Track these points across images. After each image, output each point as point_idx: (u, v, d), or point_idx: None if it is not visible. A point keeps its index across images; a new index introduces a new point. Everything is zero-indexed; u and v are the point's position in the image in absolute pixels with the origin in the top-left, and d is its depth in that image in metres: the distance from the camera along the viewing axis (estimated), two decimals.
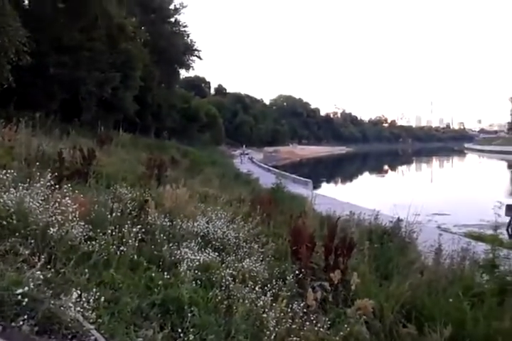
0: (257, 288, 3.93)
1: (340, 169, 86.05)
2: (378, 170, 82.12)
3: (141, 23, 38.05)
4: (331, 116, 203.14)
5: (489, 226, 17.04)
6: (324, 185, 50.89)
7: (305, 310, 3.67)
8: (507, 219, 19.59)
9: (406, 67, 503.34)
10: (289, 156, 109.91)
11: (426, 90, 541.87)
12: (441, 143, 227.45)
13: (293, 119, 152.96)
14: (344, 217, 9.63)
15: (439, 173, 76.92)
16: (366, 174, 73.97)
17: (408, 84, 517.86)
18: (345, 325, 3.50)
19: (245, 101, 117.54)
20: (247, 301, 3.58)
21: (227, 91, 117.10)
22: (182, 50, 45.11)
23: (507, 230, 18.84)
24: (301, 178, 30.92)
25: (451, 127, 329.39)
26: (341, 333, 3.40)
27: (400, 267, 5.71)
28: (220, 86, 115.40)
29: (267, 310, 3.49)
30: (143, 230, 4.40)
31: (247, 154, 78.00)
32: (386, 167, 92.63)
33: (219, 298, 3.63)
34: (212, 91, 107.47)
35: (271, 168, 44.09)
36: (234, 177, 23.37)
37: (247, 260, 4.53)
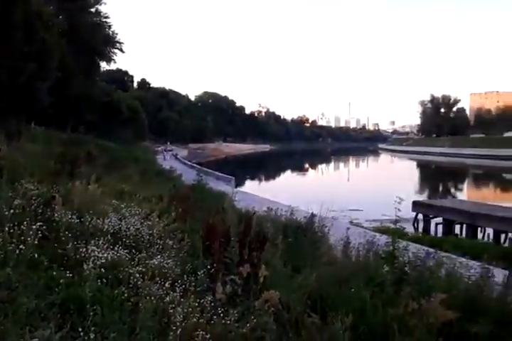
0: (167, 285, 3.89)
1: (263, 167, 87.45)
2: (300, 168, 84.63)
3: (59, 11, 35.94)
4: (256, 114, 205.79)
5: (398, 221, 18.29)
6: (248, 182, 51.49)
7: (213, 305, 3.69)
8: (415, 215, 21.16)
9: (327, 68, 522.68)
10: (214, 153, 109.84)
11: (345, 92, 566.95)
12: (358, 143, 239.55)
13: (218, 116, 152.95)
14: (262, 213, 9.88)
15: (356, 172, 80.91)
16: (288, 172, 75.80)
17: (328, 85, 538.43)
18: (252, 317, 3.56)
19: (170, 97, 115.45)
20: (154, 298, 3.52)
21: (151, 85, 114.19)
22: (103, 41, 43.26)
23: (413, 224, 20.31)
24: (224, 175, 31.04)
25: (367, 128, 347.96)
26: (248, 325, 3.47)
27: (310, 260, 5.92)
28: (143, 80, 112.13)
29: (174, 305, 3.47)
30: (45, 227, 4.17)
31: (170, 150, 76.74)
32: (307, 165, 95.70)
33: (125, 295, 3.54)
34: (135, 85, 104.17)
35: (195, 165, 43.76)
36: (156, 173, 22.89)
37: (158, 256, 4.46)
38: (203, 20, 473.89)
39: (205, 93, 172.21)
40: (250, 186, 44.33)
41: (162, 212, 7.04)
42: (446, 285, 4.31)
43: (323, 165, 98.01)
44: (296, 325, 3.94)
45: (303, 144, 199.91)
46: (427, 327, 3.51)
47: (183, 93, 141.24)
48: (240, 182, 40.25)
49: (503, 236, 16.74)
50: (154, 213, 6.49)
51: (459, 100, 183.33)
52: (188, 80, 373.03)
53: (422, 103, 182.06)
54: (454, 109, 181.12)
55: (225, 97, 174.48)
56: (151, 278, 3.97)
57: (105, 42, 43.97)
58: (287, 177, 66.02)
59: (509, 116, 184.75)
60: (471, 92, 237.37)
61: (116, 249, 4.48)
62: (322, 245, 7.22)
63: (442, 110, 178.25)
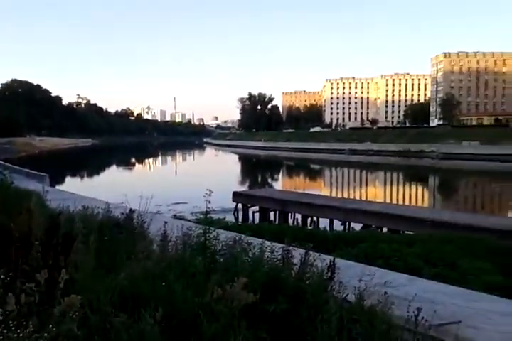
0: None
1: (85, 162, 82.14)
2: (126, 162, 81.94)
3: None
4: (75, 106, 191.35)
5: (221, 212, 19.11)
6: (67, 179, 47.79)
7: (4, 318, 3.30)
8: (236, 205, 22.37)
9: (150, 61, 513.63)
10: (26, 148, 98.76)
11: (170, 86, 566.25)
12: (184, 137, 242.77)
13: (31, 108, 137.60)
14: (76, 212, 9.23)
15: (183, 165, 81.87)
16: (113, 167, 72.74)
17: (153, 78, 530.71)
18: (51, 326, 3.31)
19: None
20: None
21: None
22: None
23: (233, 214, 21.51)
24: (36, 172, 28.08)
25: (193, 122, 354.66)
26: (45, 334, 3.20)
27: (126, 258, 5.76)
28: None
29: None
30: None
31: None
32: (133, 160, 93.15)
33: None
34: None
35: (0, 162, 38.61)
36: None
37: None
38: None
39: (14, 81, 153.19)
40: (70, 184, 41.21)
41: None
42: (250, 269, 4.64)
43: (151, 160, 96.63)
44: (104, 327, 3.79)
45: (128, 138, 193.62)
46: (231, 311, 3.72)
47: None
48: (57, 180, 37.09)
49: (309, 220, 18.91)
50: None
51: (273, 98, 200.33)
52: None
53: (241, 100, 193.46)
54: (269, 106, 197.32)
55: (38, 86, 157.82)
56: None
57: None
58: (112, 172, 63.25)
59: (314, 113, 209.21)
60: (283, 91, 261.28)
61: None
62: (140, 241, 7.07)
63: (259, 107, 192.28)
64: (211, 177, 43.06)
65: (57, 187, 28.61)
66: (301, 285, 4.66)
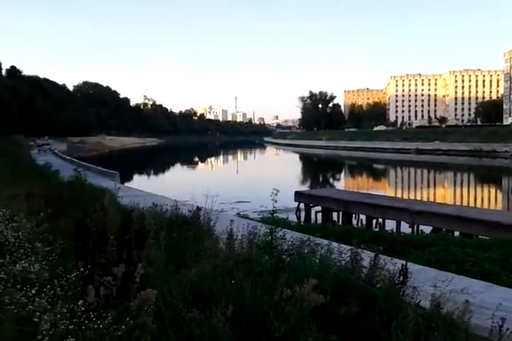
0: (33, 291, 3.56)
1: (152, 161, 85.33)
2: (189, 161, 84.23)
3: None
4: (142, 107, 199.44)
5: (283, 211, 19.09)
6: (135, 177, 49.87)
7: (85, 309, 3.47)
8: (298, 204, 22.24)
9: (214, 62, 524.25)
10: (97, 147, 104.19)
11: (231, 86, 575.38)
12: (245, 136, 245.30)
13: (101, 109, 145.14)
14: (147, 209, 9.57)
15: (244, 164, 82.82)
16: (178, 165, 75.03)
17: (216, 78, 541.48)
18: (128, 319, 3.42)
19: (44, 86, 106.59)
20: (16, 307, 3.20)
21: (23, 74, 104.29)
22: None
23: (296, 214, 21.39)
24: (108, 170, 29.56)
25: (253, 122, 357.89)
26: (123, 327, 3.32)
27: (194, 254, 5.88)
28: (13, 67, 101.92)
29: (39, 313, 3.19)
30: None
31: (47, 145, 71.15)
32: (196, 159, 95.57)
33: None
34: (3, 73, 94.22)
35: (74, 160, 41.05)
36: (28, 170, 20.98)
37: (23, 261, 4.07)
38: (80, 3, 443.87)
39: (86, 83, 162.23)
40: (137, 181, 42.96)
41: (31, 212, 6.47)
42: (319, 270, 4.56)
43: (213, 159, 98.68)
44: (177, 322, 3.88)
45: (192, 137, 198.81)
46: (301, 312, 3.68)
47: (60, 82, 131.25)
48: (126, 178, 38.81)
49: (374, 221, 18.40)
50: (21, 213, 5.93)
51: (335, 96, 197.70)
52: (64, 68, 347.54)
53: (302, 99, 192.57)
54: (331, 104, 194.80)
55: (107, 88, 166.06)
56: (13, 284, 3.61)
57: None
58: (176, 171, 65.27)
59: (378, 111, 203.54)
60: (345, 89, 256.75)
61: None
62: (207, 238, 7.20)
63: (320, 106, 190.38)
64: (272, 176, 43.13)
65: (126, 184, 29.90)
66: (372, 288, 4.52)
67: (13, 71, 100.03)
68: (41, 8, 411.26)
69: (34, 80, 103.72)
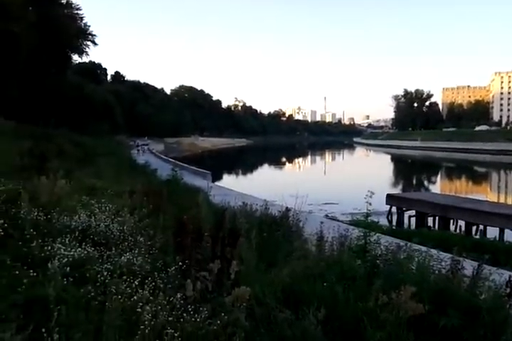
0: (136, 282, 3.80)
1: (241, 161, 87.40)
2: (277, 161, 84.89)
3: (27, 2, 34.85)
4: (232, 108, 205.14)
5: (373, 214, 18.51)
6: (225, 176, 51.36)
7: (183, 302, 3.62)
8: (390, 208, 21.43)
9: (303, 62, 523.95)
10: (190, 148, 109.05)
11: (320, 86, 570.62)
12: (334, 136, 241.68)
13: (195, 111, 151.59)
14: (237, 208, 9.81)
15: (332, 165, 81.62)
16: (266, 166, 75.95)
17: (304, 79, 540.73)
18: (223, 314, 3.51)
19: (145, 90, 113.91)
20: (122, 296, 3.43)
21: (126, 78, 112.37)
22: (75, 34, 42.22)
23: (387, 217, 20.60)
24: (201, 170, 30.80)
25: (343, 122, 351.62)
26: (218, 322, 3.42)
27: (284, 254, 5.90)
28: (117, 73, 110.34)
29: (143, 304, 3.39)
30: (9, 225, 4.03)
31: (146, 145, 75.82)
32: (284, 159, 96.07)
33: (92, 294, 3.44)
34: (109, 78, 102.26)
35: (170, 160, 43.33)
36: (130, 168, 22.55)
37: (128, 254, 4.36)
38: (177, 11, 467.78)
39: (181, 87, 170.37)
40: (227, 180, 44.22)
41: (134, 208, 6.91)
42: (416, 278, 4.34)
43: (300, 159, 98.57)
44: (269, 321, 3.91)
45: (280, 138, 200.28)
46: (398, 320, 3.52)
47: (159, 87, 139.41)
48: (217, 177, 40.09)
49: (474, 228, 17.13)
50: (125, 209, 6.36)
51: (432, 95, 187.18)
52: (163, 74, 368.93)
53: (396, 97, 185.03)
54: (427, 103, 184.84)
55: (201, 91, 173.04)
56: (119, 275, 3.88)
57: (77, 34, 42.97)
58: (264, 171, 66.14)
59: (479, 110, 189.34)
60: (443, 87, 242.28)
61: (84, 246, 4.36)
62: (296, 239, 7.20)
63: (415, 104, 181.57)
64: (361, 177, 42.02)
65: (217, 183, 30.91)
66: (475, 299, 4.21)
67: (117, 76, 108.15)
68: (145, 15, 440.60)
69: (136, 85, 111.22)
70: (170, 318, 3.31)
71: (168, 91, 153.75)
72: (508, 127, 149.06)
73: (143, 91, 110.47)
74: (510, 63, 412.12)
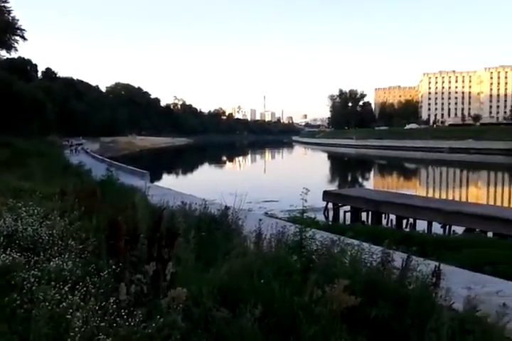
0: (66, 288, 3.64)
1: (181, 160, 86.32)
2: (217, 160, 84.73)
3: None
4: (171, 107, 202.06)
5: (310, 211, 18.96)
6: (164, 176, 50.52)
7: (116, 306, 3.51)
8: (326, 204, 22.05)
9: (242, 61, 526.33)
10: (128, 147, 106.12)
11: (260, 85, 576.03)
12: (273, 135, 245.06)
13: (132, 109, 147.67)
14: (176, 207, 9.67)
15: (272, 164, 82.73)
16: (206, 165, 75.59)
17: (244, 78, 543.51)
18: (158, 317, 3.45)
19: (79, 88, 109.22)
20: (50, 303, 3.27)
21: (58, 75, 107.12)
22: (2, 27, 39.74)
23: (324, 213, 21.20)
24: (138, 169, 30.06)
25: (282, 121, 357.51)
26: (153, 325, 3.35)
27: (223, 253, 5.89)
28: (48, 69, 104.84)
29: (72, 310, 3.25)
30: None
31: (80, 144, 72.87)
32: (224, 158, 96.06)
33: (17, 302, 3.25)
34: (40, 75, 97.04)
35: (106, 159, 41.93)
36: (62, 169, 21.57)
37: (57, 258, 4.16)
38: (112, 6, 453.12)
39: (118, 84, 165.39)
40: (167, 180, 43.53)
41: (65, 210, 6.62)
42: (349, 271, 4.50)
43: (240, 158, 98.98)
44: (206, 321, 3.89)
45: (220, 137, 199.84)
46: (332, 313, 3.63)
47: (93, 84, 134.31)
48: (156, 177, 39.32)
49: (404, 221, 18.05)
50: (55, 211, 6.07)
51: (365, 95, 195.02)
52: (99, 71, 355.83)
53: (332, 97, 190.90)
54: (361, 103, 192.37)
55: (139, 89, 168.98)
56: (47, 282, 3.69)
57: (5, 28, 40.47)
58: (205, 170, 65.77)
59: (409, 109, 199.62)
60: (375, 87, 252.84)
61: (9, 252, 4.11)
62: (235, 237, 7.22)
63: (350, 104, 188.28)
64: (299, 175, 42.91)
65: (156, 183, 30.32)
66: (404, 290, 4.42)
67: (49, 73, 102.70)
68: (77, 9, 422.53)
69: (69, 82, 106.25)
70: (102, 324, 3.20)
71: (103, 89, 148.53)
72: (435, 125, 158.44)
73: (77, 89, 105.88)
74: (438, 64, 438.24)
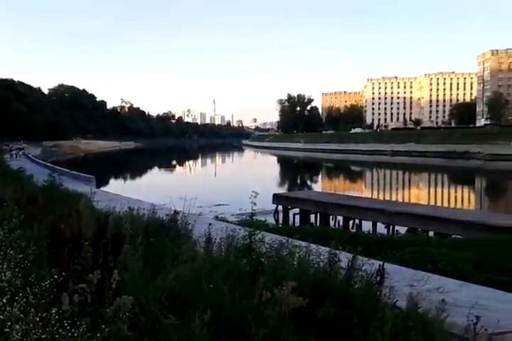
0: (4, 300, 3.45)
1: (129, 164, 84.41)
2: (167, 164, 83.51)
3: None
4: (118, 110, 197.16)
5: (261, 213, 19.10)
6: (112, 181, 49.17)
7: (58, 317, 3.38)
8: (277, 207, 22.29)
9: (191, 65, 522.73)
10: (72, 151, 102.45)
11: (209, 89, 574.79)
12: (223, 139, 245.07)
13: (77, 112, 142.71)
14: (123, 213, 9.43)
15: (222, 167, 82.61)
16: (155, 169, 74.30)
17: (193, 81, 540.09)
18: (103, 326, 3.35)
19: (19, 89, 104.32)
20: None
21: None
22: None
23: (274, 216, 21.43)
24: (83, 174, 29.07)
25: (232, 125, 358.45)
26: (98, 335, 3.25)
27: (172, 259, 5.80)
28: None
29: (11, 323, 3.09)
30: None
31: (21, 149, 69.61)
32: (174, 162, 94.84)
33: None
34: None
35: (49, 164, 40.23)
36: (1, 175, 20.43)
37: None
38: (54, 1, 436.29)
39: (61, 86, 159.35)
40: (114, 185, 42.38)
41: (4, 218, 6.29)
42: (297, 272, 4.56)
43: (191, 162, 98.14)
44: (154, 328, 3.82)
45: (169, 141, 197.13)
46: (280, 315, 3.66)
47: (35, 85, 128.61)
48: (102, 182, 38.20)
49: (351, 222, 18.58)
50: None
51: (313, 99, 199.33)
52: (40, 72, 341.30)
53: (280, 101, 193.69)
54: (308, 107, 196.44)
55: (84, 91, 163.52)
56: None
57: None
58: (154, 174, 64.63)
59: (355, 114, 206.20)
60: (322, 92, 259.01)
61: None
62: (185, 242, 7.13)
63: (298, 108, 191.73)
64: (250, 179, 43.12)
65: (103, 188, 29.44)
66: (350, 289, 4.54)
67: None
68: (7, 9, 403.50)
69: (8, 83, 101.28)
70: (44, 336, 3.06)
71: (46, 91, 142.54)
72: (379, 129, 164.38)
73: (15, 91, 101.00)
74: (381, 70, 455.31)
